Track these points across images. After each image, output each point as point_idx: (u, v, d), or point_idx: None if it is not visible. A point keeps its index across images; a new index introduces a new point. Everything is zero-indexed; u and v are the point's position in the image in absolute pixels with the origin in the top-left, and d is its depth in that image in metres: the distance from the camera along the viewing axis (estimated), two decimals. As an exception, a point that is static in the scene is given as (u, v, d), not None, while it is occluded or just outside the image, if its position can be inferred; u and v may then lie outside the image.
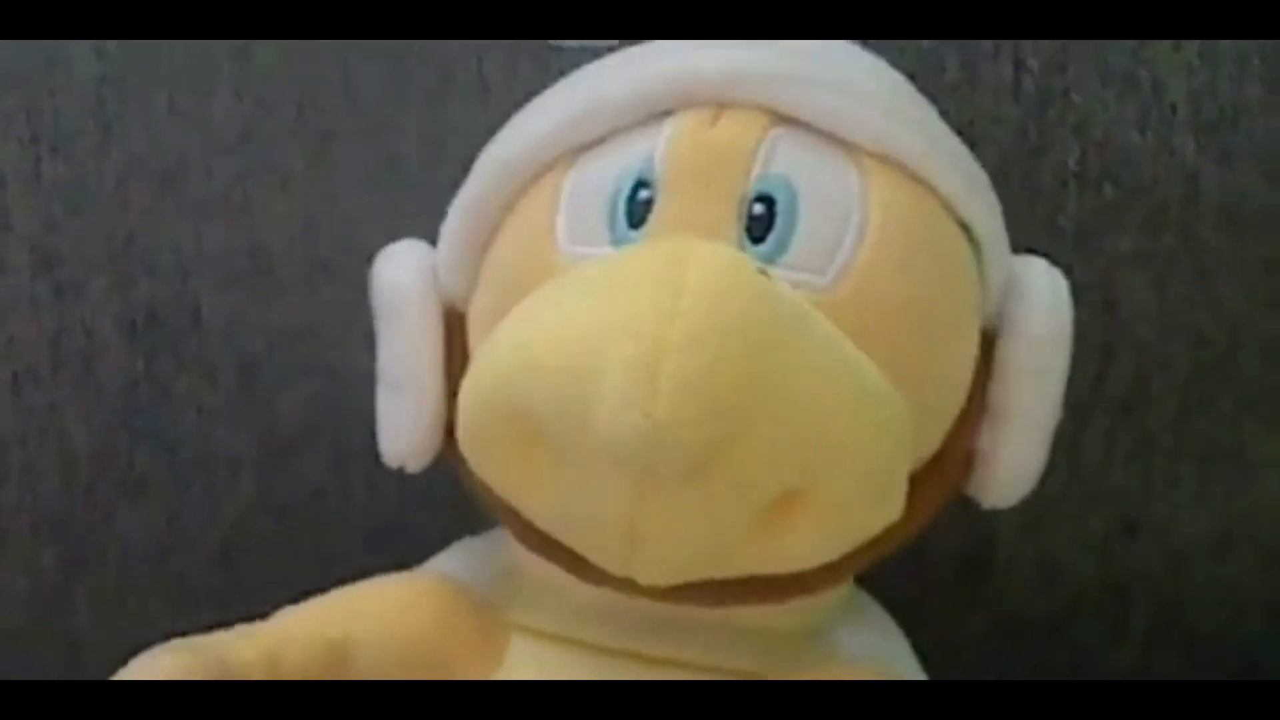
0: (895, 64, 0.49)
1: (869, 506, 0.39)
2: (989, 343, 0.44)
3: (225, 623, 0.46)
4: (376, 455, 0.47)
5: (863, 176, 0.41)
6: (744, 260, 0.38)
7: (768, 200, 0.41)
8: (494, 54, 0.56)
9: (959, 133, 0.46)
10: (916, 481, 0.41)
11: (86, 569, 0.62)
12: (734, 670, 0.44)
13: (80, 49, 0.57)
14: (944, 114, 0.46)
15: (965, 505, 0.46)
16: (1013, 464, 0.44)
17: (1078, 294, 0.45)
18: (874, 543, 0.41)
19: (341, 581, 0.48)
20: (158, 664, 0.42)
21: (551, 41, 0.52)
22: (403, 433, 0.46)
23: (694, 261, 0.36)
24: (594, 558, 0.41)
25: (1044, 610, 0.60)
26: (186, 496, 0.61)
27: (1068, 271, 0.45)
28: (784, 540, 0.39)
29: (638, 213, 0.42)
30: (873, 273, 0.41)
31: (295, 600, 0.47)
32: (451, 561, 0.49)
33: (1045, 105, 0.55)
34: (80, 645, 0.62)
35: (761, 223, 0.41)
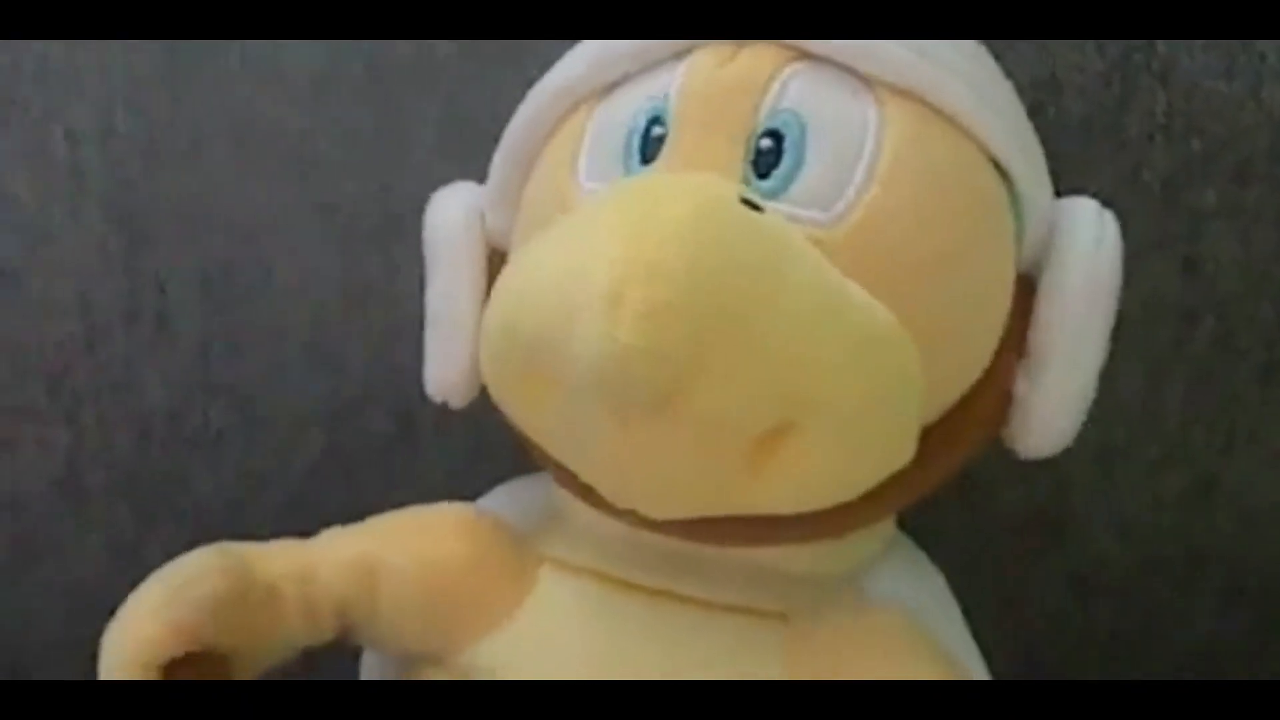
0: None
1: (865, 445, 0.39)
2: (1030, 286, 0.43)
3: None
4: (443, 410, 0.48)
5: (882, 113, 0.40)
6: (723, 193, 0.38)
7: (776, 135, 0.40)
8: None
9: (1042, 84, 0.45)
10: (945, 425, 0.41)
11: (160, 523, 0.63)
12: (758, 610, 0.44)
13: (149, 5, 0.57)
14: (1025, 63, 0.45)
15: (1038, 463, 0.45)
16: (1049, 411, 0.43)
17: (1162, 249, 0.44)
18: (895, 486, 0.40)
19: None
20: (188, 561, 0.45)
21: None
22: (445, 368, 0.47)
23: (670, 194, 0.37)
24: (599, 490, 0.41)
25: (1117, 569, 0.59)
26: (258, 451, 0.62)
27: (1152, 227, 0.44)
28: (780, 476, 0.38)
29: (650, 149, 0.42)
30: (880, 212, 0.40)
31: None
32: (495, 499, 0.50)
33: (1130, 54, 0.53)
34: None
35: (768, 158, 0.40)
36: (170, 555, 0.63)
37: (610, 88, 0.44)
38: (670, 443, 0.37)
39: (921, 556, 0.48)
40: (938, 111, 0.40)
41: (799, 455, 0.38)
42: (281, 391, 0.61)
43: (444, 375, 0.47)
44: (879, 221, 0.39)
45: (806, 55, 0.41)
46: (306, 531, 0.62)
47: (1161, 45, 0.53)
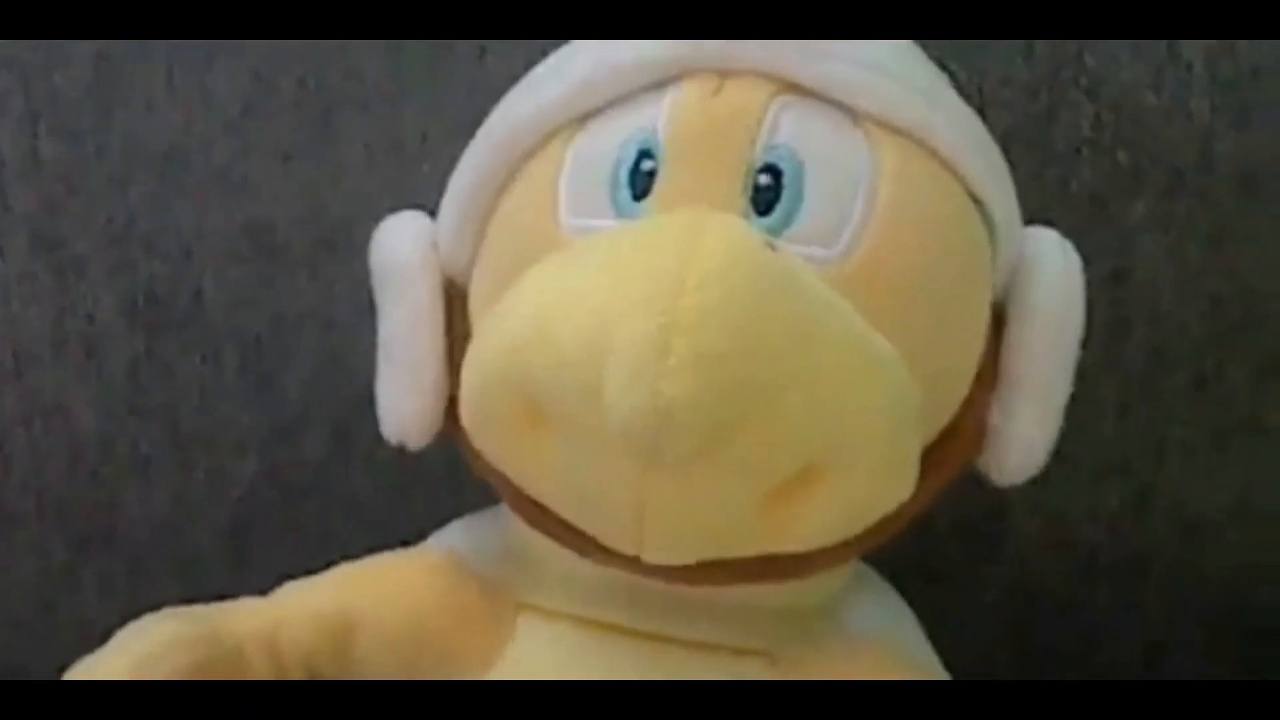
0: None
1: (883, 482, 0.39)
2: (1000, 316, 0.43)
3: (230, 598, 0.46)
4: (379, 434, 0.47)
5: (871, 147, 0.40)
6: (753, 234, 0.37)
7: (774, 171, 0.40)
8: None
9: (969, 96, 0.45)
10: (928, 456, 0.40)
11: (94, 550, 0.62)
12: (742, 648, 0.43)
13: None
14: (953, 76, 0.45)
15: (976, 476, 0.45)
16: (1024, 439, 0.43)
17: (1091, 261, 0.44)
18: (885, 519, 0.40)
19: (347, 558, 0.48)
20: (150, 631, 0.42)
21: None
22: (403, 408, 0.45)
23: (704, 236, 0.35)
24: (602, 537, 0.40)
25: (1056, 581, 0.59)
26: (192, 476, 0.61)
27: (1081, 239, 0.44)
28: (796, 518, 0.38)
29: (641, 183, 0.41)
30: (882, 246, 0.40)
31: (303, 577, 0.47)
32: (454, 538, 0.49)
33: (1058, 67, 0.54)
34: (90, 625, 0.61)
35: (767, 194, 0.40)
36: (104, 581, 0.63)
37: (586, 117, 0.42)
38: (695, 490, 0.37)
39: (886, 584, 0.48)
40: (920, 145, 0.41)
41: (819, 497, 0.37)
42: (215, 416, 0.60)
43: (404, 417, 0.45)
44: (880, 258, 0.39)
45: (793, 87, 0.41)
46: (243, 556, 0.62)
47: (1089, 58, 0.54)
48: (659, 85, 0.41)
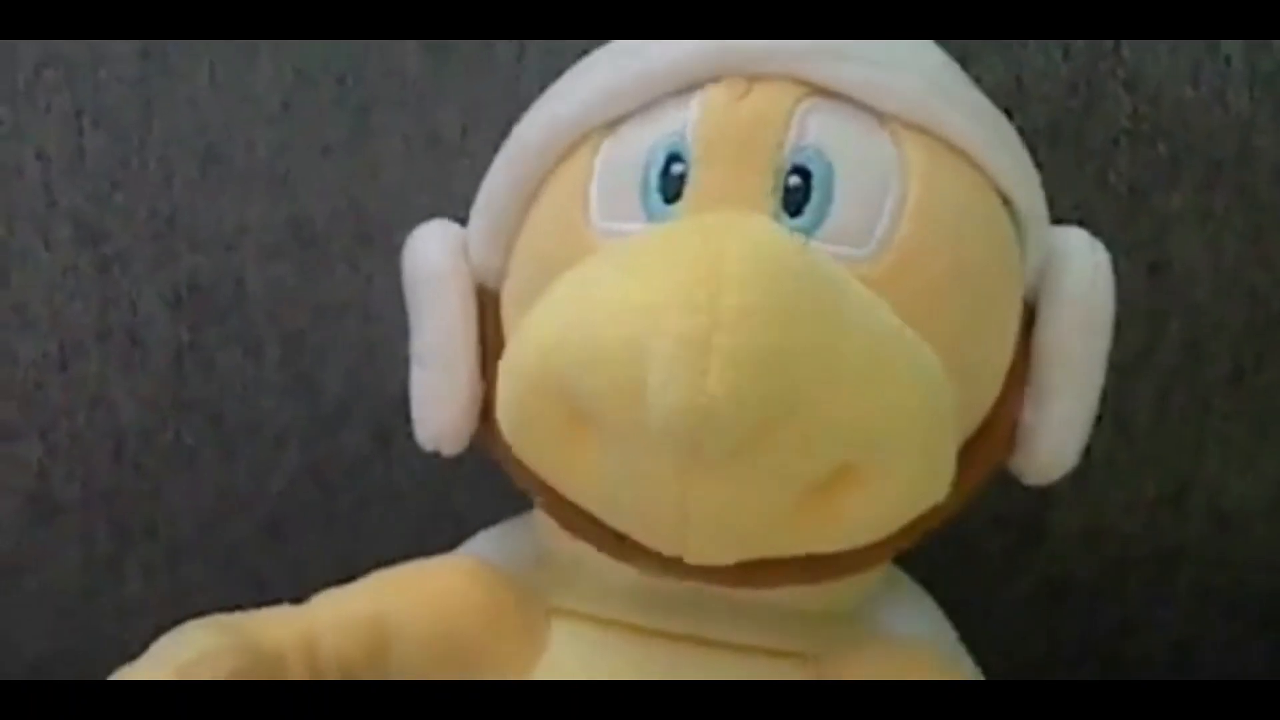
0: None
1: (920, 481, 0.39)
2: (1030, 315, 0.44)
3: (271, 591, 0.47)
4: (418, 427, 0.47)
5: (899, 148, 0.41)
6: (787, 233, 0.38)
7: (803, 172, 0.40)
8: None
9: (1006, 91, 0.45)
10: (962, 456, 0.41)
11: (137, 540, 0.62)
12: (777, 650, 0.44)
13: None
14: (991, 70, 0.45)
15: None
16: (1056, 438, 0.44)
17: (1129, 254, 0.44)
18: (921, 518, 0.40)
19: (385, 553, 0.48)
20: (190, 639, 0.42)
21: None
22: (437, 414, 0.46)
23: (738, 235, 0.36)
24: (643, 538, 0.40)
25: (1092, 573, 0.59)
26: (233, 468, 0.61)
27: (1119, 231, 0.45)
28: (836, 517, 0.38)
29: (672, 186, 0.41)
30: (914, 245, 0.40)
31: (341, 570, 0.47)
32: (487, 546, 0.49)
33: (1096, 60, 0.54)
34: (132, 614, 0.63)
35: (798, 195, 0.40)
36: (148, 572, 0.64)
37: (615, 123, 0.43)
38: (736, 488, 0.37)
39: (919, 588, 0.49)
40: (948, 145, 0.41)
41: (857, 496, 0.38)
42: (256, 409, 0.61)
43: (439, 423, 0.46)
44: (912, 257, 0.40)
45: (819, 90, 0.41)
46: (284, 549, 0.62)
47: (1127, 51, 0.53)
48: (686, 90, 0.42)
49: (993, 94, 0.50)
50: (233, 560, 0.62)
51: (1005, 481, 0.47)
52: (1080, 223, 0.46)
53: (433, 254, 0.46)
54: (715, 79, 0.41)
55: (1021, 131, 0.51)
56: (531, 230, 0.44)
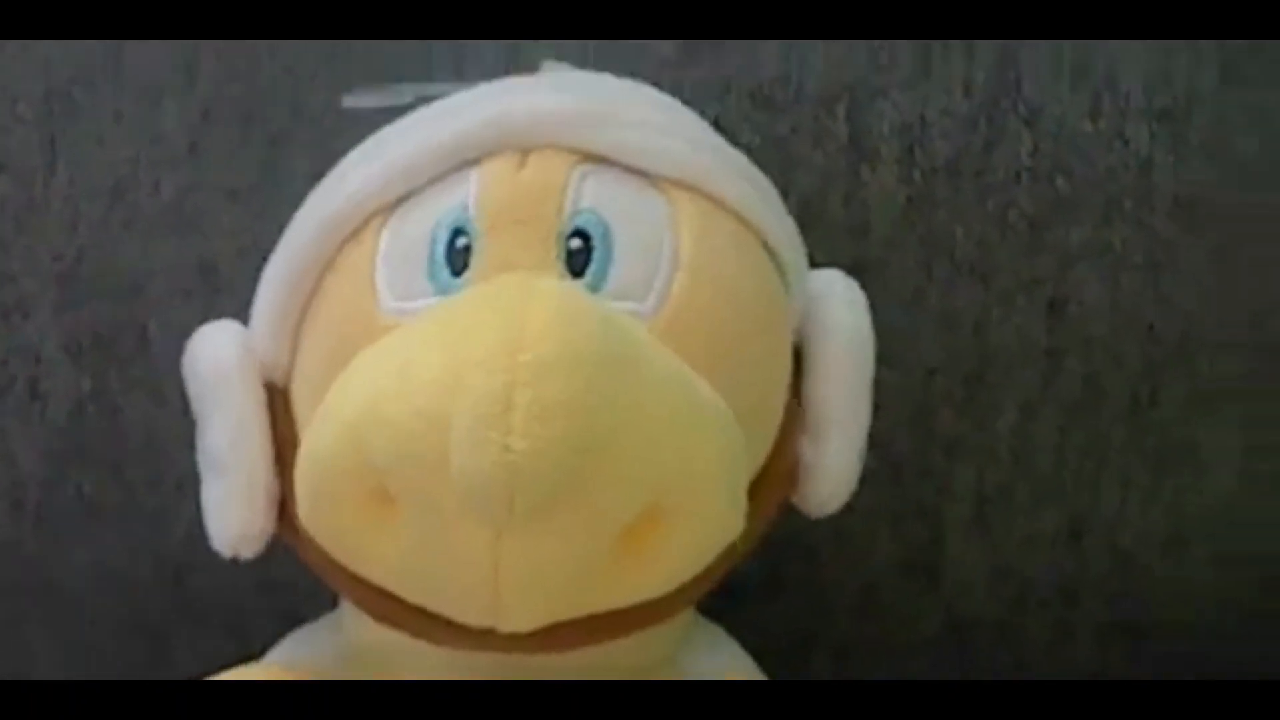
0: (845, 61, 0.49)
1: (722, 518, 0.40)
2: (798, 356, 0.46)
3: (174, 642, 0.46)
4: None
5: (670, 206, 0.43)
6: (578, 290, 0.40)
7: (583, 235, 0.42)
8: (442, 61, 0.56)
9: (910, 127, 0.46)
10: (750, 494, 0.42)
11: (37, 594, 0.61)
12: None
13: (25, 64, 0.57)
14: (896, 109, 0.46)
15: (913, 508, 0.46)
16: (833, 472, 0.46)
17: (1029, 290, 0.45)
18: (717, 559, 0.42)
19: (292, 606, 0.48)
20: None
21: (345, 103, 0.53)
22: (234, 518, 0.45)
23: (531, 295, 0.38)
24: (453, 612, 0.41)
25: (994, 613, 0.59)
26: (137, 518, 0.60)
27: (1019, 267, 0.46)
28: (646, 563, 0.39)
29: (458, 260, 0.42)
30: (690, 297, 0.42)
31: (245, 622, 0.46)
32: (295, 648, 0.49)
33: (996, 97, 0.55)
34: (34, 669, 0.61)
35: (580, 257, 0.42)
36: (51, 626, 0.62)
37: (395, 204, 0.44)
38: (549, 543, 0.38)
39: (721, 630, 0.50)
40: (715, 202, 0.43)
41: (664, 540, 0.39)
42: (159, 458, 0.60)
43: (236, 527, 0.45)
44: (691, 307, 0.42)
45: (591, 157, 0.43)
46: (189, 599, 0.61)
47: (1027, 87, 0.55)
48: (463, 166, 0.43)
49: (895, 131, 0.51)
50: (135, 612, 0.61)
51: (902, 523, 0.48)
52: (981, 259, 0.47)
53: (216, 354, 0.46)
54: (491, 153, 0.43)
55: (924, 168, 0.52)
56: (319, 317, 0.45)
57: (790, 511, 0.47)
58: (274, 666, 0.47)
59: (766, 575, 0.56)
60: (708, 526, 0.40)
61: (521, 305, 0.37)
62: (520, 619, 0.40)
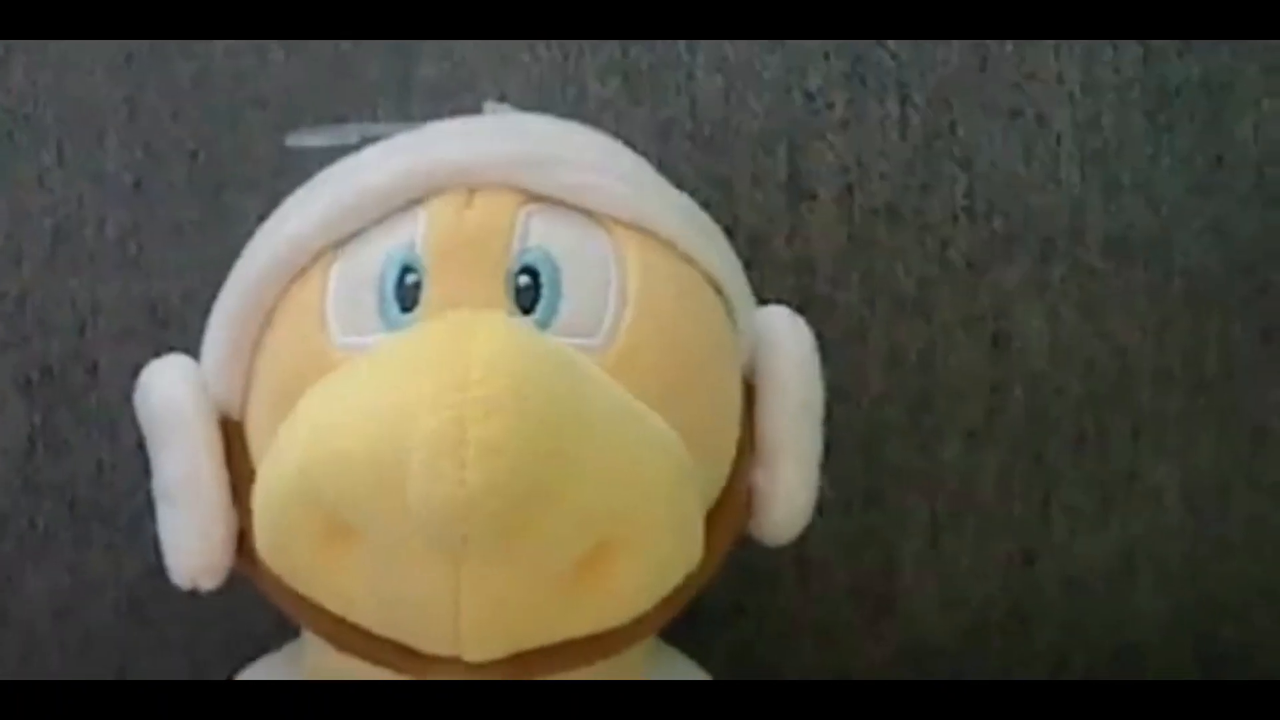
0: (783, 103, 0.49)
1: (677, 548, 0.41)
2: (749, 389, 0.46)
3: (132, 677, 0.46)
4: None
5: (616, 244, 0.43)
6: (525, 325, 0.40)
7: (532, 272, 0.43)
8: (386, 102, 0.57)
9: (847, 169, 0.47)
10: (707, 525, 0.42)
11: (-11, 629, 0.61)
12: None
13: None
14: (832, 151, 0.46)
15: (865, 538, 0.46)
16: (788, 500, 0.46)
17: (970, 327, 0.45)
18: (676, 590, 0.42)
19: (247, 639, 0.48)
20: None
21: (289, 142, 0.54)
22: (191, 551, 0.45)
23: (478, 331, 0.38)
24: (418, 641, 0.41)
25: (946, 637, 0.60)
26: (89, 553, 0.60)
27: (960, 305, 0.46)
28: (604, 592, 0.40)
29: (408, 296, 0.43)
30: (639, 330, 0.42)
31: (202, 653, 0.47)
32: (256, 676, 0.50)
33: (931, 139, 0.56)
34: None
35: (529, 294, 0.42)
36: (3, 660, 0.62)
37: (344, 240, 0.44)
38: (507, 574, 0.38)
39: (684, 657, 0.50)
40: (659, 239, 0.44)
41: (622, 567, 0.39)
42: (111, 492, 0.60)
43: (194, 560, 0.46)
44: (638, 343, 0.42)
45: (536, 197, 0.43)
46: (142, 634, 0.61)
47: (963, 131, 0.56)
48: (411, 205, 0.44)
49: (833, 173, 0.52)
50: (90, 646, 0.61)
51: (855, 552, 0.49)
52: (922, 297, 0.47)
53: (168, 388, 0.46)
54: (437, 191, 0.44)
55: (864, 210, 0.53)
56: (271, 353, 0.45)
57: (749, 541, 0.48)
58: None
59: (729, 603, 0.57)
60: (662, 557, 0.40)
61: (467, 340, 0.38)
62: (482, 648, 0.40)
